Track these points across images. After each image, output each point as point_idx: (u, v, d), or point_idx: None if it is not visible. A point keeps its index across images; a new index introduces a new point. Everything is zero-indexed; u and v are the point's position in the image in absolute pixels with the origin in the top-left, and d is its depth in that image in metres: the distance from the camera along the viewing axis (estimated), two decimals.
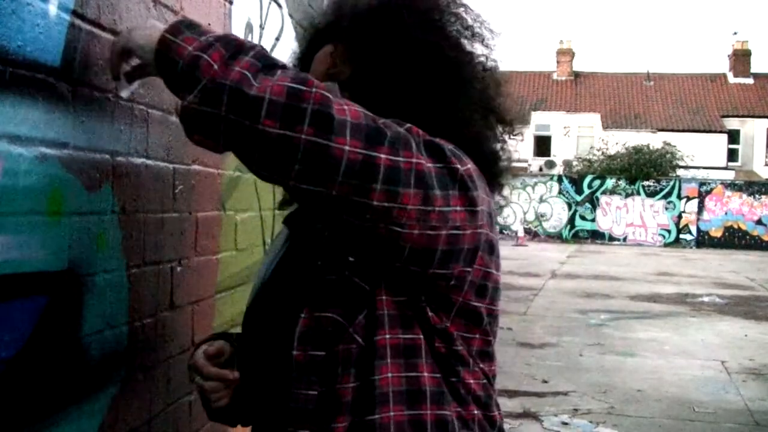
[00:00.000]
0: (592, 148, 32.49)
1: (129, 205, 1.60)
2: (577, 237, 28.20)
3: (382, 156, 1.14)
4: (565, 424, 5.62)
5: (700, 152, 33.28)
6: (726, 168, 35.07)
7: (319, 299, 1.26)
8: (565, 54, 41.47)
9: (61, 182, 1.35)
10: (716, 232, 27.40)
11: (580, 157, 32.34)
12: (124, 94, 1.55)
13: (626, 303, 12.07)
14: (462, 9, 1.42)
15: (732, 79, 39.81)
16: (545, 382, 6.85)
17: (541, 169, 33.89)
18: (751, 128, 37.53)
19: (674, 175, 29.30)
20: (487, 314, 1.33)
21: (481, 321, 1.32)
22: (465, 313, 1.29)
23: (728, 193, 27.50)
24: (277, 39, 2.60)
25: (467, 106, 1.35)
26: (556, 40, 58.32)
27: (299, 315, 1.26)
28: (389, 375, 1.23)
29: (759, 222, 27.19)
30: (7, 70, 1.19)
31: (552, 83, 40.68)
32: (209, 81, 1.15)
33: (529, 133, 36.20)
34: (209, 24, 1.99)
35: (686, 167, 30.35)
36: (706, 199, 27.51)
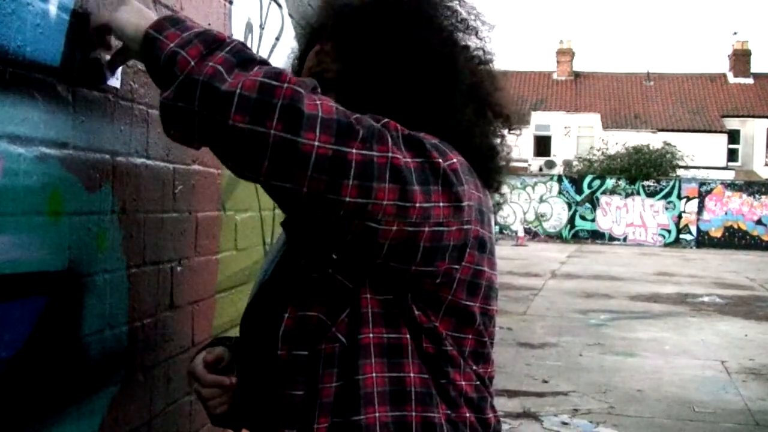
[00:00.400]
0: (592, 148, 32.47)
1: (129, 205, 1.60)
2: (577, 237, 28.19)
3: (354, 151, 1.12)
4: (565, 424, 5.62)
5: (700, 152, 33.28)
6: (726, 168, 35.06)
7: (302, 298, 1.26)
8: (565, 54, 41.46)
9: (61, 182, 1.35)
10: (716, 232, 27.38)
11: (580, 157, 32.33)
12: (112, 82, 1.52)
13: (626, 303, 12.06)
14: (456, 1, 1.40)
15: (732, 79, 39.81)
16: (545, 382, 6.84)
17: (541, 169, 33.88)
18: (751, 128, 37.52)
19: (674, 175, 29.30)
20: (481, 313, 1.30)
21: (473, 320, 1.29)
22: (455, 312, 1.27)
23: (728, 193, 27.49)
24: (277, 39, 2.60)
25: (458, 100, 1.33)
26: (556, 40, 58.38)
27: (284, 314, 1.26)
28: (373, 375, 1.22)
29: (759, 222, 27.18)
30: (7, 70, 1.19)
31: (552, 83, 40.67)
32: (185, 76, 1.15)
33: (529, 133, 36.21)
34: (209, 24, 1.99)
35: (686, 167, 30.34)
36: (706, 199, 27.50)
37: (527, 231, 28.00)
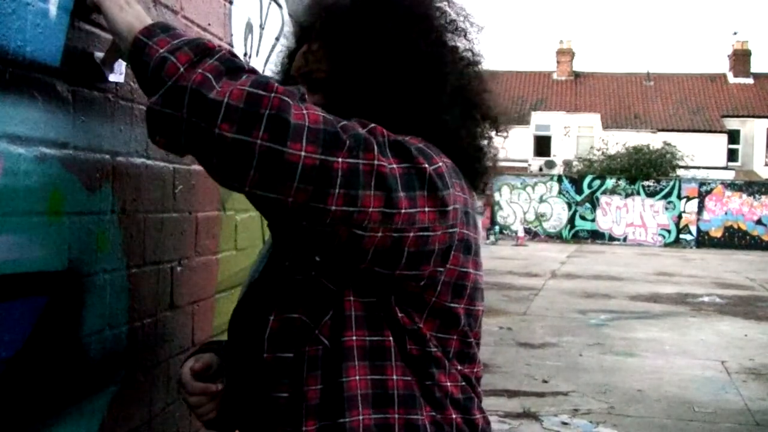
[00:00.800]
0: (592, 148, 32.48)
1: (129, 205, 1.60)
2: (577, 237, 28.19)
3: (340, 160, 1.12)
4: (565, 424, 5.62)
5: (700, 152, 33.29)
6: (726, 168, 35.07)
7: (286, 300, 1.26)
8: (565, 54, 41.47)
9: (61, 182, 1.35)
10: (716, 232, 27.39)
11: (580, 157, 32.34)
12: (113, 78, 1.51)
13: (626, 303, 12.06)
14: (444, 2, 1.40)
15: (732, 79, 39.81)
16: (545, 382, 6.84)
17: (541, 169, 33.88)
18: (751, 128, 37.52)
19: (674, 175, 29.30)
20: (466, 314, 1.30)
21: (458, 322, 1.29)
22: (439, 313, 1.27)
23: (728, 193, 27.50)
24: (277, 39, 2.59)
25: (445, 101, 1.32)
26: (556, 40, 58.38)
27: (269, 317, 1.26)
28: (357, 378, 1.22)
29: (759, 222, 27.18)
30: (7, 70, 1.19)
31: (552, 83, 40.67)
32: (174, 83, 1.14)
33: (529, 133, 36.19)
34: (209, 24, 1.99)
35: (686, 167, 30.35)
36: (706, 199, 27.50)
37: (527, 231, 27.99)
